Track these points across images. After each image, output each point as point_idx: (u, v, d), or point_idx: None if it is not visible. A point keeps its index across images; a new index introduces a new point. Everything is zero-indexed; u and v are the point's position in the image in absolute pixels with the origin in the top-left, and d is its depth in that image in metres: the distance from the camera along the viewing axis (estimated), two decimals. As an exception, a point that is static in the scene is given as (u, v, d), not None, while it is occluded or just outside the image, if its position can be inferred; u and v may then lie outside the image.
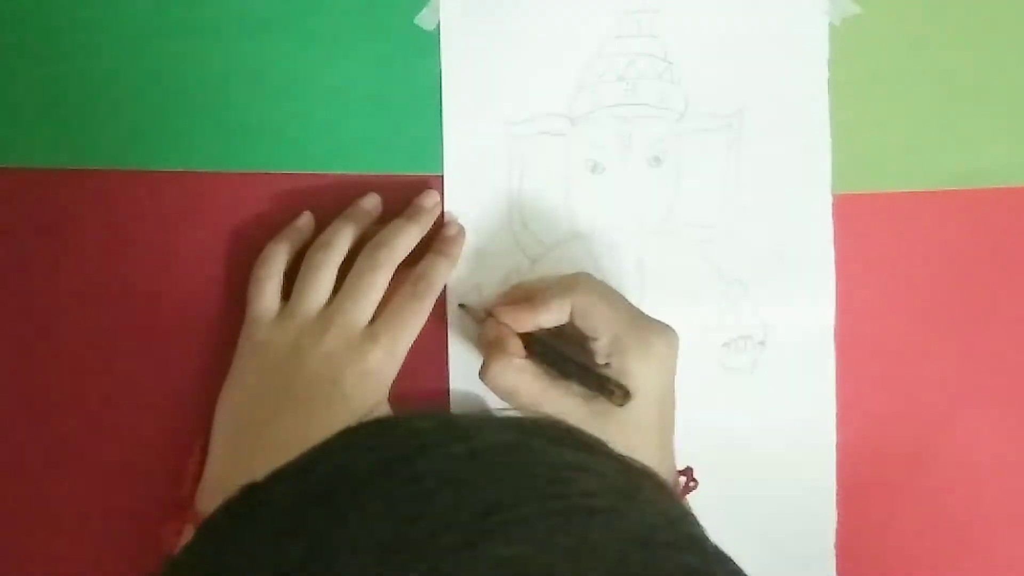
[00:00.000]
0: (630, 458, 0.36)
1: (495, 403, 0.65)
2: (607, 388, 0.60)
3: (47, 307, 0.64)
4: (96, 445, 0.64)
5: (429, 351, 0.65)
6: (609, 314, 0.61)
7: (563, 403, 0.60)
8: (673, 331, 0.62)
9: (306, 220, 0.64)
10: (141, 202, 0.64)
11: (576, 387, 0.61)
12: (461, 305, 0.65)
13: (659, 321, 0.62)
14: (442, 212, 0.65)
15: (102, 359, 0.64)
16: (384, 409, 0.60)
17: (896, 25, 0.67)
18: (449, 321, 0.65)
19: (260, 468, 0.59)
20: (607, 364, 0.61)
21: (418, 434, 0.33)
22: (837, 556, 0.67)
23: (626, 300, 0.62)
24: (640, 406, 0.60)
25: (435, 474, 0.31)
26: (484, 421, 0.35)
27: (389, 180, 0.65)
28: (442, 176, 0.65)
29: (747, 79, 0.66)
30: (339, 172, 0.65)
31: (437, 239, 0.64)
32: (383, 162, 0.65)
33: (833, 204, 0.67)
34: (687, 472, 0.63)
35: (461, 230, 0.65)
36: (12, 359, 0.64)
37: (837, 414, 0.67)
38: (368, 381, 0.59)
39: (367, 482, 0.32)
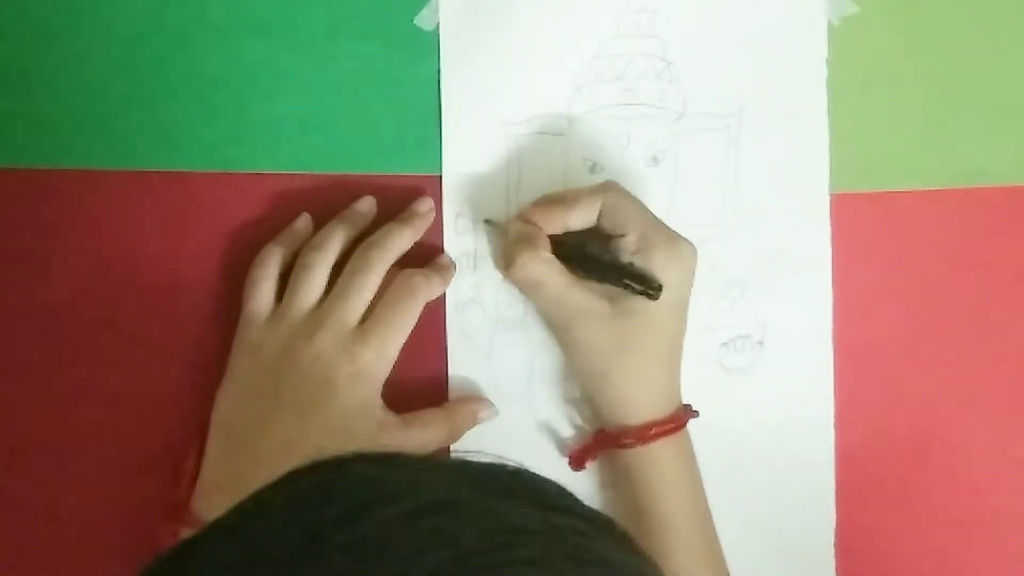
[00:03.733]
0: (591, 510, 0.35)
1: (495, 404, 0.65)
2: (640, 281, 0.60)
3: (44, 307, 0.64)
4: (95, 445, 0.64)
5: (429, 351, 0.65)
6: (638, 212, 0.62)
7: (588, 299, 0.61)
8: (693, 244, 0.62)
9: (304, 222, 0.64)
10: (140, 202, 0.64)
11: (599, 287, 0.61)
12: (487, 221, 0.65)
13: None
14: (440, 214, 0.65)
15: (101, 359, 0.64)
16: (377, 411, 0.60)
17: (894, 25, 0.67)
18: (448, 321, 0.65)
19: (254, 469, 0.59)
20: (631, 264, 0.61)
21: (352, 493, 0.32)
22: (836, 555, 0.67)
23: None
24: (662, 310, 0.61)
25: (366, 541, 0.30)
26: (431, 472, 0.34)
27: (388, 180, 0.65)
28: (441, 176, 0.65)
29: (745, 79, 0.66)
30: (338, 172, 0.65)
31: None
32: (382, 162, 0.65)
33: (831, 204, 0.67)
34: (687, 407, 0.64)
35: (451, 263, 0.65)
36: (10, 359, 0.64)
37: (835, 413, 0.67)
38: (359, 382, 0.60)
39: (298, 550, 0.30)
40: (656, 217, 0.62)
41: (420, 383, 0.65)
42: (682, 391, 0.64)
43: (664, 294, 0.60)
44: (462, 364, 0.66)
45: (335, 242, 0.62)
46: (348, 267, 0.62)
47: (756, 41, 0.66)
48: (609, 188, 0.62)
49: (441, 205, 0.65)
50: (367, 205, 0.64)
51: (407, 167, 0.65)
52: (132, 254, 0.64)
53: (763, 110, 0.66)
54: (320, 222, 0.64)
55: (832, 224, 0.67)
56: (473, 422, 0.64)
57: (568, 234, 0.62)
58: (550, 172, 0.66)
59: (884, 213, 0.67)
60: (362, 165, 0.65)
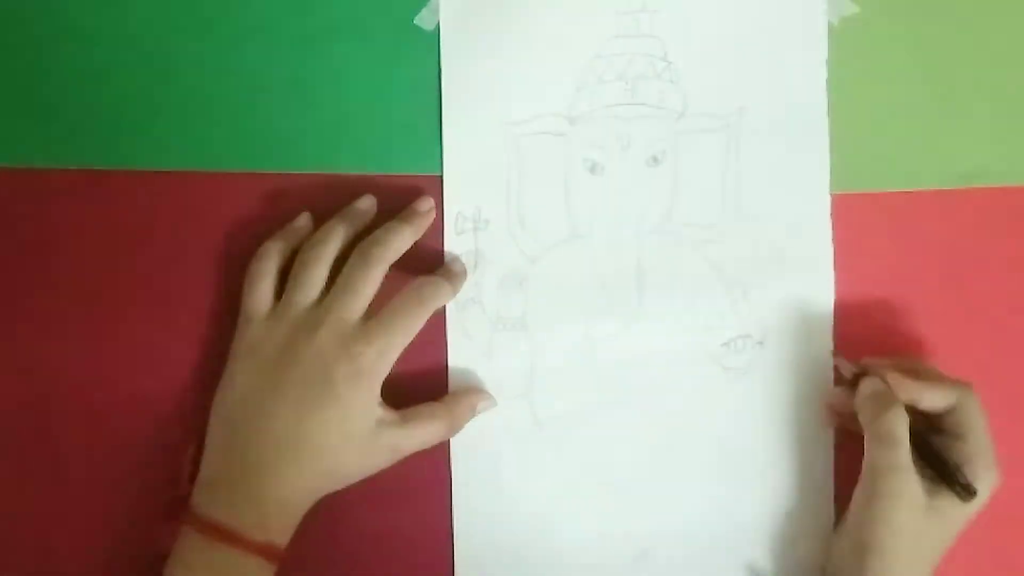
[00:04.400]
0: None
1: (502, 402, 0.65)
2: (962, 482, 0.61)
3: (44, 307, 0.64)
4: (93, 445, 0.64)
5: (429, 350, 0.65)
6: (984, 426, 0.63)
7: (913, 480, 0.61)
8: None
9: (304, 221, 0.64)
10: (139, 202, 0.64)
11: (927, 471, 0.62)
12: (835, 354, 0.67)
13: None
14: (441, 214, 0.65)
15: (99, 359, 0.64)
16: (377, 409, 0.60)
17: (895, 25, 0.67)
18: (448, 320, 0.65)
19: (254, 467, 0.59)
20: (961, 467, 0.62)
21: None
22: (836, 555, 0.67)
23: None
24: (958, 523, 0.62)
25: None
26: None
27: (388, 180, 0.65)
28: (441, 176, 0.65)
29: (746, 79, 0.66)
30: (338, 172, 0.65)
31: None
32: (382, 162, 0.65)
33: (831, 204, 0.67)
34: None
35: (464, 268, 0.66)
36: (10, 359, 0.64)
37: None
38: (359, 381, 0.59)
39: None
40: (991, 438, 0.63)
41: (420, 382, 0.65)
42: (692, 394, 0.64)
43: (971, 508, 0.62)
44: (462, 363, 0.66)
45: (335, 239, 0.62)
46: (348, 264, 0.62)
47: (756, 41, 0.66)
48: (967, 390, 0.63)
49: (441, 205, 0.65)
50: (367, 203, 0.64)
51: (407, 167, 0.65)
52: (133, 254, 0.64)
53: (763, 110, 0.66)
54: (320, 222, 0.64)
55: (832, 224, 0.67)
56: (472, 414, 0.64)
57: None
58: (550, 172, 0.66)
59: (884, 213, 0.67)
60: (362, 165, 0.65)
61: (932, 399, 0.63)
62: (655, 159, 0.66)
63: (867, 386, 0.64)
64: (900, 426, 0.61)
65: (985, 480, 0.62)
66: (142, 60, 0.64)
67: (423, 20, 0.65)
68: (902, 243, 0.68)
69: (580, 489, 0.66)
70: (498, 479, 0.66)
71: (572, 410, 0.66)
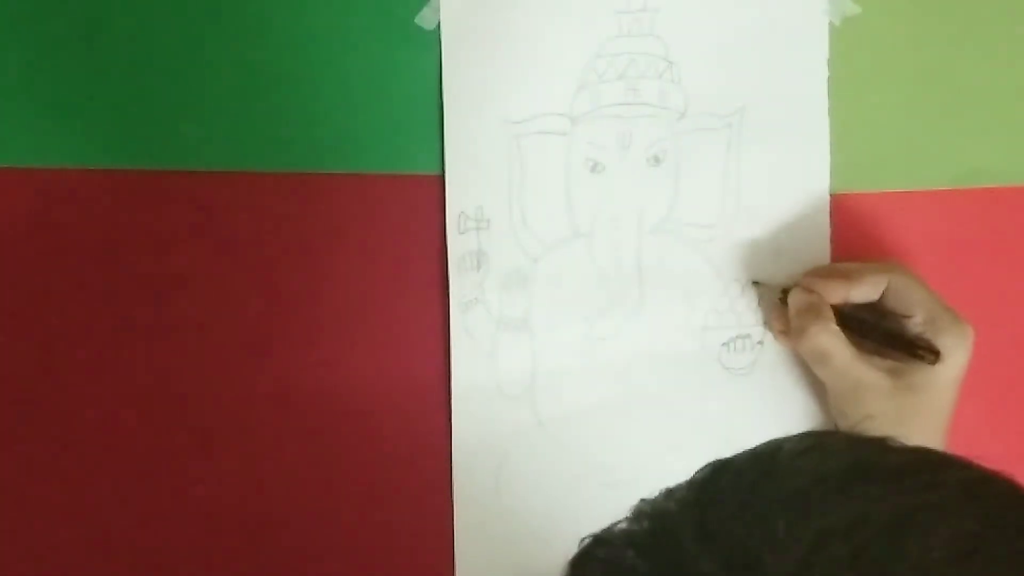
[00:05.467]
0: None
1: (495, 404, 0.65)
2: (921, 348, 0.62)
3: (42, 308, 0.64)
4: (91, 447, 0.64)
5: (431, 350, 0.65)
6: (926, 294, 0.63)
7: (870, 373, 0.62)
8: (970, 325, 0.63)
9: None
10: (137, 203, 0.64)
11: (880, 361, 0.62)
12: (755, 282, 0.66)
13: None
14: (443, 214, 0.65)
15: (98, 358, 0.64)
16: None
17: (896, 25, 0.67)
18: (452, 320, 0.65)
19: None
20: (918, 336, 0.62)
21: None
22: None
23: None
24: (940, 385, 0.62)
25: None
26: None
27: (389, 180, 0.65)
28: (442, 175, 0.65)
29: (747, 79, 0.66)
30: (339, 172, 0.65)
31: None
32: (383, 162, 0.65)
33: (831, 204, 0.67)
34: None
35: None
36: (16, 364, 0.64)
37: (836, 413, 0.68)
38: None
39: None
40: (940, 299, 0.63)
41: (421, 382, 0.65)
42: (693, 394, 0.64)
43: (947, 371, 0.62)
44: (464, 363, 0.65)
45: None
46: None
47: (757, 41, 0.66)
48: (895, 268, 0.63)
49: (444, 205, 0.65)
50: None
51: (408, 167, 0.65)
52: (132, 254, 0.64)
53: (764, 110, 0.66)
54: (321, 222, 0.64)
55: (832, 224, 0.67)
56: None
57: (847, 306, 0.63)
58: (551, 171, 0.66)
59: (884, 213, 0.67)
60: (363, 164, 0.65)
61: (862, 291, 0.63)
62: (656, 159, 0.66)
63: (794, 302, 0.64)
64: (822, 337, 0.62)
65: (952, 336, 0.62)
66: (138, 59, 0.64)
67: (424, 20, 0.65)
68: (902, 243, 0.68)
69: (581, 489, 0.66)
70: (499, 479, 0.66)
71: (574, 410, 0.66)
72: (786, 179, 0.67)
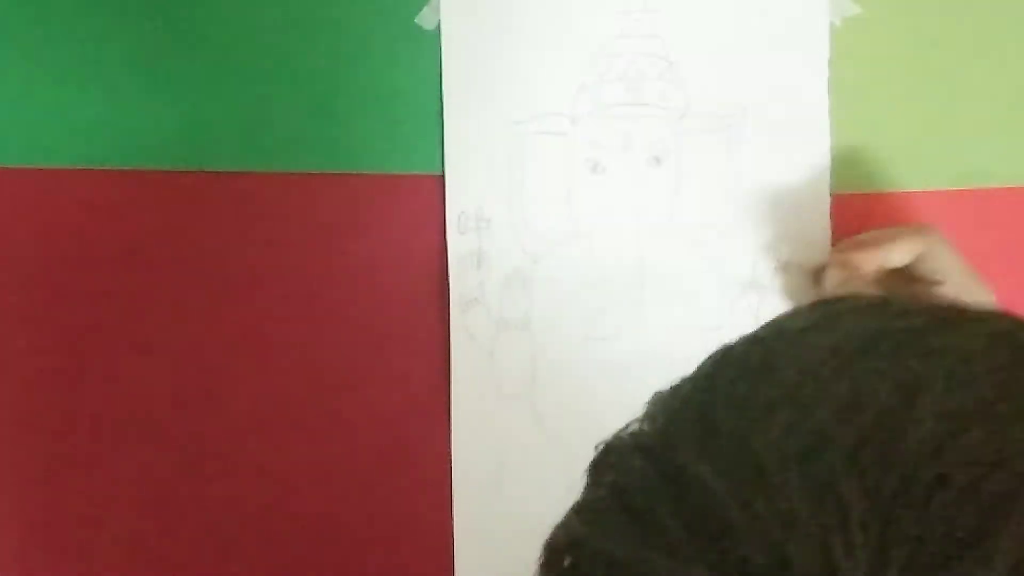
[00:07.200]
0: None
1: (495, 404, 0.65)
2: None
3: (42, 308, 0.64)
4: (88, 450, 0.64)
5: (431, 350, 0.65)
6: (958, 261, 0.62)
7: None
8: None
9: None
10: (136, 204, 0.64)
11: None
12: (787, 264, 0.66)
13: None
14: (443, 213, 0.65)
15: (99, 358, 0.64)
16: None
17: (896, 26, 0.67)
18: (452, 320, 0.65)
19: None
20: None
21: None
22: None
23: None
24: None
25: None
26: None
27: (389, 180, 0.65)
28: (443, 175, 0.65)
29: (747, 79, 0.66)
30: (339, 172, 0.65)
31: None
32: (384, 161, 0.65)
33: (832, 204, 0.67)
34: None
35: None
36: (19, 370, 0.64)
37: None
38: None
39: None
40: (970, 266, 0.62)
41: (421, 382, 0.65)
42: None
43: None
44: (464, 363, 0.65)
45: None
46: None
47: (758, 41, 0.66)
48: (929, 232, 0.62)
49: (444, 205, 0.65)
50: None
51: (409, 166, 0.65)
52: (133, 254, 0.64)
53: (765, 110, 0.66)
54: (321, 221, 0.64)
55: (832, 224, 0.67)
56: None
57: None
58: (552, 171, 0.66)
59: (884, 213, 0.67)
60: (363, 164, 0.65)
61: (896, 255, 0.62)
62: (657, 159, 0.66)
63: (830, 280, 0.63)
64: (845, 288, 0.61)
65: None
66: (137, 59, 0.64)
67: (423, 19, 0.65)
68: (902, 243, 0.68)
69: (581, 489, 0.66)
70: (500, 479, 0.66)
71: (574, 410, 0.66)
72: (787, 179, 0.67)
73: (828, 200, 0.67)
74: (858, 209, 0.67)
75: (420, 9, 0.65)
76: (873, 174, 0.67)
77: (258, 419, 0.65)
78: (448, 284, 0.65)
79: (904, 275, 0.63)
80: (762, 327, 0.36)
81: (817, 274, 0.64)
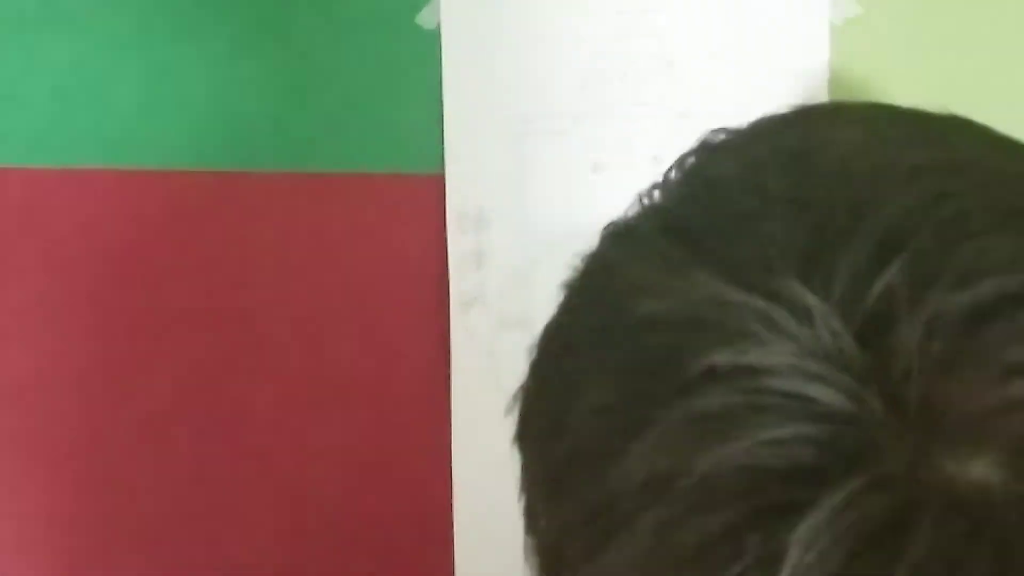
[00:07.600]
0: None
1: (495, 404, 0.65)
2: None
3: (46, 310, 0.64)
4: (88, 450, 0.64)
5: (431, 350, 0.65)
6: None
7: None
8: None
9: None
10: (135, 204, 0.64)
11: None
12: None
13: None
14: (443, 213, 0.65)
15: (100, 358, 0.64)
16: None
17: (897, 25, 0.67)
18: (452, 320, 0.65)
19: None
20: None
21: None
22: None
23: None
24: None
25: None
26: None
27: (390, 180, 0.65)
28: (443, 175, 0.65)
29: (747, 80, 0.66)
30: (339, 172, 0.65)
31: None
32: (384, 161, 0.65)
33: (833, 204, 0.67)
34: None
35: None
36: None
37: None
38: None
39: None
40: None
41: (421, 382, 0.65)
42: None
43: None
44: (464, 363, 0.65)
45: None
46: None
47: (758, 41, 0.66)
48: None
49: (444, 205, 0.65)
50: None
51: (409, 166, 0.65)
52: (131, 255, 0.64)
53: (765, 110, 0.66)
54: (321, 221, 0.64)
55: (832, 224, 0.67)
56: None
57: None
58: (552, 171, 0.66)
59: (884, 213, 0.67)
60: (363, 164, 0.65)
61: None
62: (657, 159, 0.66)
63: None
64: None
65: None
66: (136, 59, 0.64)
67: (423, 19, 0.65)
68: (902, 243, 0.68)
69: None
70: (500, 479, 0.66)
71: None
72: (786, 179, 0.67)
73: (828, 200, 0.67)
74: (858, 209, 0.67)
75: (420, 9, 0.65)
76: (873, 174, 0.67)
77: (258, 418, 0.65)
78: (448, 284, 0.65)
79: None
80: (751, 124, 0.38)
81: None
